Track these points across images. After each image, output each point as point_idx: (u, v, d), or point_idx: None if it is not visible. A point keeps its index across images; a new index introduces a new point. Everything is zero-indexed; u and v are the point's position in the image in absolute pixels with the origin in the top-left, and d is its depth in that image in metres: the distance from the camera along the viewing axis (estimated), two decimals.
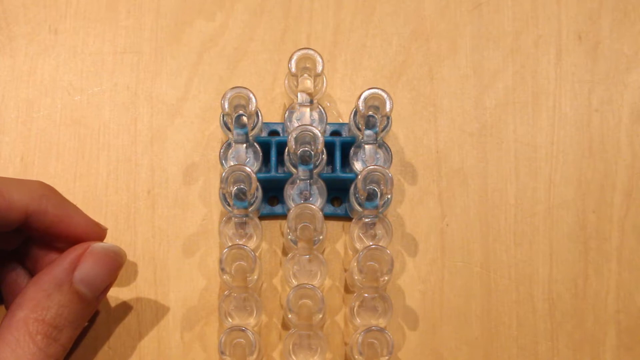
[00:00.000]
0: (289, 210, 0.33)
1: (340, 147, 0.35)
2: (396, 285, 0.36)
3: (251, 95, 0.33)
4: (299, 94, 0.35)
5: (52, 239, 0.31)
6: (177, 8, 0.39)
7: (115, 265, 0.31)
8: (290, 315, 0.32)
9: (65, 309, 0.28)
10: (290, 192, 0.34)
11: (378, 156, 0.35)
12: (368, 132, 0.34)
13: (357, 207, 0.34)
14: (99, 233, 0.32)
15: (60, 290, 0.28)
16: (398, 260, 0.36)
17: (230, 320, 0.33)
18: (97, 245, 0.30)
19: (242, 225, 0.34)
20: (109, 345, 0.35)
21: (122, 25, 0.39)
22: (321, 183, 0.34)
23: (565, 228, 0.37)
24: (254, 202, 0.34)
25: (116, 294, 0.35)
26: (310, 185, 0.34)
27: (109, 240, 0.35)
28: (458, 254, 0.36)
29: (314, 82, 0.35)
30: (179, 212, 0.37)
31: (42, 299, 0.28)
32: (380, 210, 0.34)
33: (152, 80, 0.38)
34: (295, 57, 0.34)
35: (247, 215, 0.33)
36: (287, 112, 0.36)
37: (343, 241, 0.37)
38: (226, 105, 0.33)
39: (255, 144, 0.35)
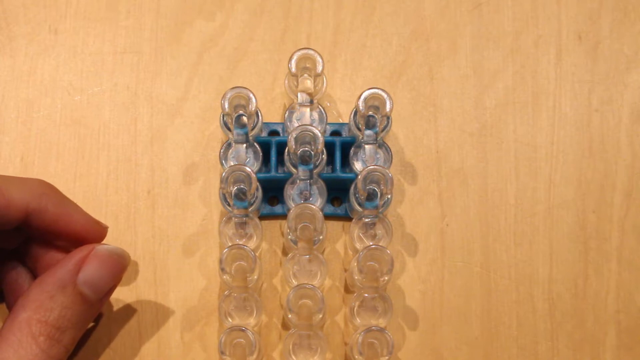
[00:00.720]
0: (289, 210, 0.33)
1: (340, 147, 0.35)
2: (396, 285, 0.36)
3: (251, 95, 0.33)
4: (299, 94, 0.35)
5: (52, 238, 0.31)
6: (177, 8, 0.39)
7: (119, 268, 0.31)
8: (290, 315, 0.32)
9: (69, 311, 0.28)
10: (290, 192, 0.34)
11: (378, 156, 0.35)
12: (368, 132, 0.34)
13: (357, 207, 0.34)
14: (100, 231, 0.32)
15: (63, 292, 0.28)
16: (398, 260, 0.36)
17: (230, 320, 0.33)
18: (102, 247, 0.30)
19: (242, 225, 0.34)
20: (109, 345, 0.35)
21: (122, 25, 0.39)
22: (321, 183, 0.34)
23: (565, 228, 0.37)
24: (254, 202, 0.34)
25: (116, 294, 0.35)
26: (310, 185, 0.34)
27: (109, 240, 0.35)
28: (458, 254, 0.36)
29: (314, 82, 0.35)
30: (179, 212, 0.37)
31: (45, 301, 0.28)
32: (380, 210, 0.34)
33: (152, 80, 0.38)
34: (295, 57, 0.34)
35: (247, 215, 0.33)
36: (287, 112, 0.36)
37: (343, 241, 0.37)
38: (226, 105, 0.33)
39: (255, 144, 0.35)
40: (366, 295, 0.33)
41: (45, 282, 0.29)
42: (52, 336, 0.28)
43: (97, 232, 0.32)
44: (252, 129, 0.35)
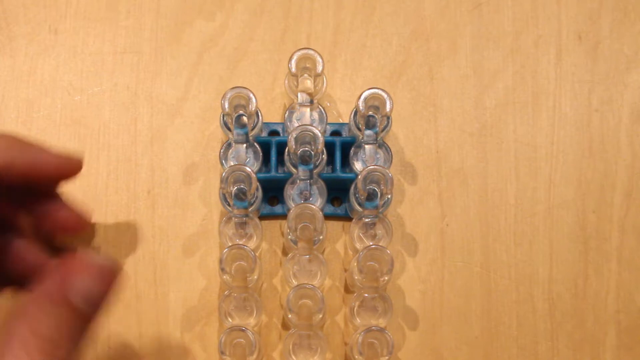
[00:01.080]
0: (289, 210, 0.33)
1: (340, 147, 0.35)
2: (396, 285, 0.36)
3: (251, 95, 0.33)
4: (299, 94, 0.35)
5: (29, 188, 0.30)
6: (177, 8, 0.39)
7: (112, 279, 0.30)
8: (290, 315, 0.32)
9: (64, 325, 0.28)
10: (290, 192, 0.34)
11: (378, 156, 0.35)
12: (368, 132, 0.34)
13: (357, 207, 0.34)
14: (75, 164, 0.31)
15: (58, 307, 0.28)
16: (398, 260, 0.36)
17: (230, 320, 0.33)
18: (94, 258, 0.30)
19: (242, 225, 0.34)
20: (109, 345, 0.35)
21: (122, 25, 0.39)
22: (321, 183, 0.34)
23: (565, 228, 0.37)
24: (254, 202, 0.34)
25: (116, 294, 0.35)
26: (310, 185, 0.34)
27: (109, 241, 0.35)
28: (458, 254, 0.36)
29: (314, 82, 0.35)
30: (179, 212, 0.37)
31: (40, 316, 0.28)
32: (380, 210, 0.34)
33: (152, 80, 0.38)
34: (295, 57, 0.34)
35: (247, 215, 0.33)
36: (287, 112, 0.36)
37: (343, 241, 0.37)
38: (226, 105, 0.33)
39: (255, 144, 0.35)
40: (366, 295, 0.33)
41: (39, 296, 0.28)
42: (46, 351, 0.28)
43: (71, 167, 0.31)
44: (252, 129, 0.35)
